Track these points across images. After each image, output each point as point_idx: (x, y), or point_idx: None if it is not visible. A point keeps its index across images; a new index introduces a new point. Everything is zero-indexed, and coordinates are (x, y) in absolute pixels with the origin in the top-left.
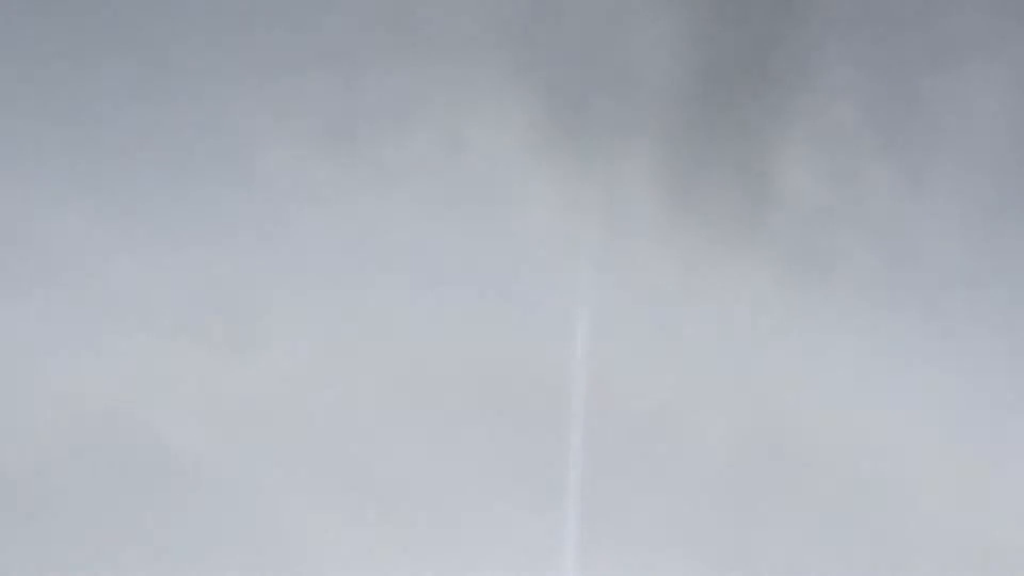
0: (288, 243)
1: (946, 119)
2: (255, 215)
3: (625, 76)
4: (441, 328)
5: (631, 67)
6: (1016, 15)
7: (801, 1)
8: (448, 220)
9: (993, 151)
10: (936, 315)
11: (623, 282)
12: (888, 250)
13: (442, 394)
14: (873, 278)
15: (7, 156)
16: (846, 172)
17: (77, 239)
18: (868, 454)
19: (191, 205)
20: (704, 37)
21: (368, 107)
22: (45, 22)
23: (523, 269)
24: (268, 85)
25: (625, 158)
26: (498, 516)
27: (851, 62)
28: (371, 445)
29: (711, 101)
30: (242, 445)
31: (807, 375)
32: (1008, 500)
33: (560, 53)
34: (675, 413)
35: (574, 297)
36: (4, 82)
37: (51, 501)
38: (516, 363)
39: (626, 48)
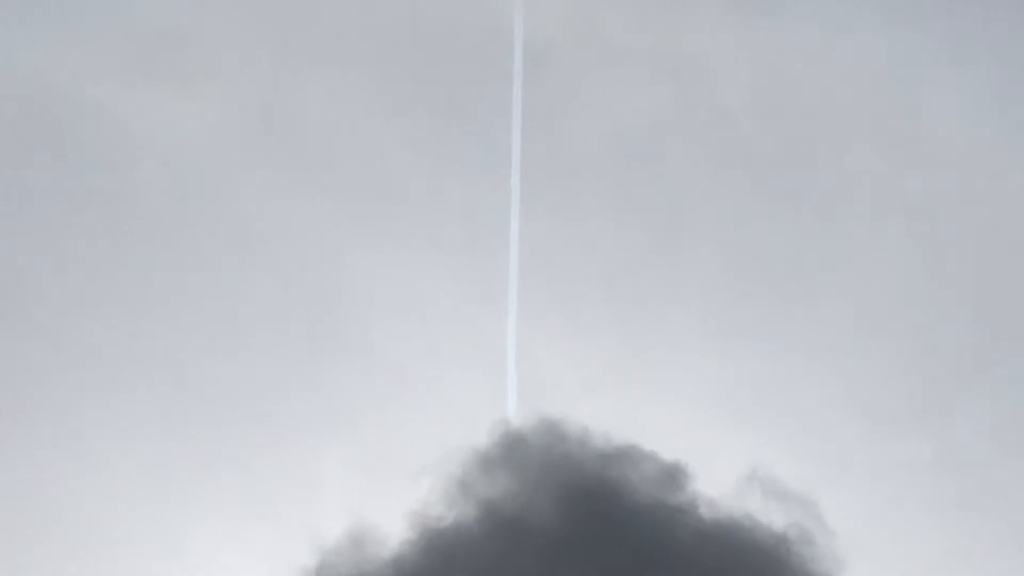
0: None
1: None
2: None
3: None
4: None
5: None
6: None
7: None
8: None
9: None
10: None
11: None
12: None
13: (395, 64)
14: None
15: None
16: None
17: None
18: (806, 116)
19: None
20: None
21: None
22: None
23: None
24: None
25: None
26: (452, 154)
27: None
28: (329, 125)
29: None
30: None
31: (751, 53)
32: (930, 149)
33: None
34: (608, 72)
35: None
36: None
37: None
38: (462, 27)
39: None
